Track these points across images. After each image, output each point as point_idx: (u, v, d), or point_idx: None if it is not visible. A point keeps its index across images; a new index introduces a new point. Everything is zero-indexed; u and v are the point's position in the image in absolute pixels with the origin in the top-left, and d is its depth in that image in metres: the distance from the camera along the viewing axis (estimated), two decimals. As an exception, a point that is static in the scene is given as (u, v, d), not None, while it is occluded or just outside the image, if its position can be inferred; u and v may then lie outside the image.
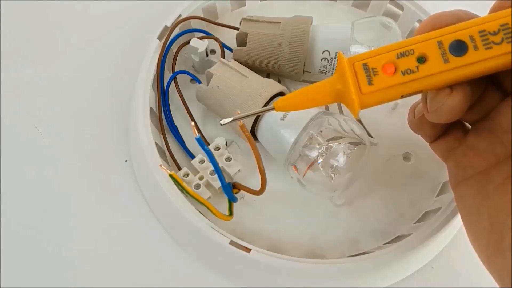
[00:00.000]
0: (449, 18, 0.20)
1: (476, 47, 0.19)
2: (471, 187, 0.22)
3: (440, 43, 0.19)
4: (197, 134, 0.25)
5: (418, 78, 0.20)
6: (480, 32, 0.19)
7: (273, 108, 0.23)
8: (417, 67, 0.19)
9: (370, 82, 0.20)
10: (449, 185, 0.24)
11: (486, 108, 0.22)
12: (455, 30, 0.19)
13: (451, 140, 0.24)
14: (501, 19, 0.19)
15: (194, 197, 0.28)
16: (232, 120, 0.24)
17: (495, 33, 0.19)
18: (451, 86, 0.20)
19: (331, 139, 0.28)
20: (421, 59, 0.20)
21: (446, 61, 0.19)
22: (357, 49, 0.31)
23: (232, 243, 0.26)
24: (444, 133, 0.24)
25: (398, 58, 0.20)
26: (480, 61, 0.19)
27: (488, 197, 0.20)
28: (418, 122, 0.24)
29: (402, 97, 0.21)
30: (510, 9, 0.19)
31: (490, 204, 0.20)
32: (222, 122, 0.24)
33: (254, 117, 0.29)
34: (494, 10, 0.20)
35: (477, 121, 0.23)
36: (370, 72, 0.20)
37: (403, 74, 0.20)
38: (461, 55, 0.19)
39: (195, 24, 0.36)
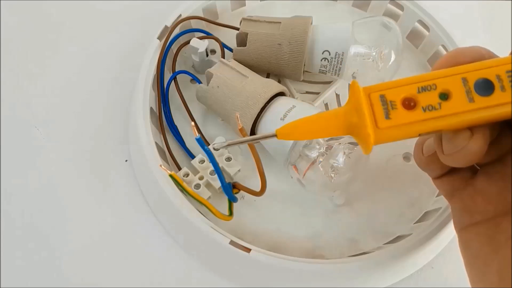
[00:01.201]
0: (471, 54, 0.19)
1: (503, 88, 0.18)
2: (479, 234, 0.20)
3: (465, 80, 0.18)
4: (197, 134, 0.25)
5: (440, 116, 0.18)
6: (507, 72, 0.18)
7: (275, 135, 0.21)
8: (440, 104, 0.18)
9: (387, 116, 0.18)
10: (453, 227, 0.22)
11: (500, 151, 0.20)
12: (481, 68, 0.18)
13: (457, 179, 0.22)
14: None
15: (194, 197, 0.28)
16: (228, 145, 0.22)
17: None
18: (471, 128, 0.19)
19: (331, 139, 0.28)
20: (444, 96, 0.18)
21: (471, 100, 0.18)
22: (357, 49, 0.31)
23: (232, 243, 0.26)
24: (450, 171, 0.22)
25: (419, 92, 0.18)
26: (506, 103, 0.17)
27: (499, 248, 0.19)
28: (427, 161, 0.23)
29: (419, 135, 0.19)
30: None
31: (501, 257, 0.19)
32: (215, 146, 0.23)
33: (254, 117, 0.29)
34: None
35: (488, 163, 0.21)
36: (388, 105, 0.18)
37: (424, 110, 0.18)
38: (487, 95, 0.18)
39: (195, 24, 0.36)
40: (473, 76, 0.18)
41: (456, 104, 0.18)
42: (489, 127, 0.19)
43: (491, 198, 0.20)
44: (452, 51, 0.20)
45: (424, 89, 0.18)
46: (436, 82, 0.18)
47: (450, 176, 0.22)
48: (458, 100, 0.18)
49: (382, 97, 0.18)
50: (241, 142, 0.22)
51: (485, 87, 0.18)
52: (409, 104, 0.18)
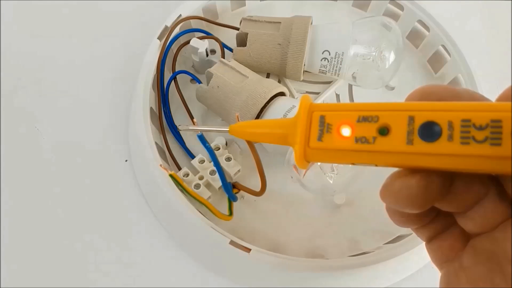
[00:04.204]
0: (444, 93, 0.17)
1: (450, 137, 0.15)
2: None
3: (411, 120, 0.16)
4: (199, 131, 0.25)
5: (371, 151, 0.17)
6: (463, 120, 0.15)
7: (227, 130, 0.22)
8: (375, 138, 0.17)
9: (320, 138, 0.18)
10: None
11: (488, 220, 0.17)
12: (435, 109, 0.16)
13: (447, 247, 0.19)
14: (497, 112, 0.15)
15: (194, 197, 0.28)
16: (187, 130, 0.26)
17: (480, 128, 0.15)
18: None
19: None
20: (383, 131, 0.16)
21: (410, 142, 0.16)
22: (357, 49, 0.31)
23: (232, 243, 0.26)
24: (441, 234, 0.20)
25: (358, 121, 0.17)
26: (448, 155, 0.15)
27: None
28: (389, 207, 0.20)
29: (353, 164, 0.18)
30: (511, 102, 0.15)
31: None
32: (180, 127, 0.26)
33: (254, 117, 0.29)
34: (503, 97, 0.16)
35: (477, 234, 0.18)
36: (324, 127, 0.18)
37: (356, 141, 0.17)
38: (429, 141, 0.15)
39: (195, 24, 0.36)
40: (422, 116, 0.16)
41: (391, 143, 0.16)
42: (466, 179, 0.16)
43: (475, 279, 0.17)
44: (425, 86, 0.18)
45: (364, 119, 0.17)
46: (380, 115, 0.17)
47: (439, 240, 0.20)
48: (395, 139, 0.16)
49: (322, 118, 0.18)
50: (198, 130, 0.26)
51: (430, 132, 0.15)
52: (344, 131, 0.17)
